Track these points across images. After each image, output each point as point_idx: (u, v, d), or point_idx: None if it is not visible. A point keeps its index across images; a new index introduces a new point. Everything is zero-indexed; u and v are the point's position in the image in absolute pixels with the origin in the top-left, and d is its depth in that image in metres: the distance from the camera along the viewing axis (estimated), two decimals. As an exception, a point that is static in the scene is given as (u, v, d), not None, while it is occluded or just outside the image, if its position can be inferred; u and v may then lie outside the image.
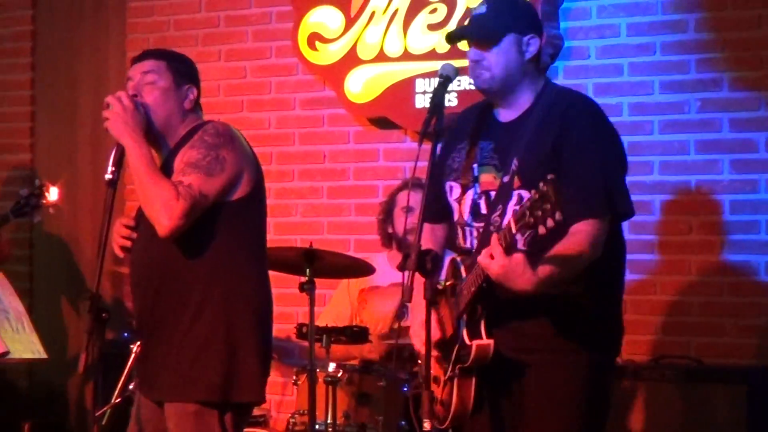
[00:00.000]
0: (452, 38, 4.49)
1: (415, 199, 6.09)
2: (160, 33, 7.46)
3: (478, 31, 4.34)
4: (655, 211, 6.18)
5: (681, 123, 6.25)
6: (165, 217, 4.30)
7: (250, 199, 4.53)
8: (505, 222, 4.05)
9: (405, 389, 5.75)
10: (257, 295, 4.56)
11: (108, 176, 4.38)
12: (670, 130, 6.25)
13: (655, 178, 6.18)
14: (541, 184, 3.77)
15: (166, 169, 4.49)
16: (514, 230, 3.87)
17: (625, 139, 4.46)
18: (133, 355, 6.06)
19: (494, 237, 4.00)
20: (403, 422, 5.72)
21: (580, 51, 6.43)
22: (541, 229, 3.83)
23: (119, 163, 4.40)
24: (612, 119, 4.42)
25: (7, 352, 5.38)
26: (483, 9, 4.33)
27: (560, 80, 4.67)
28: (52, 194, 6.69)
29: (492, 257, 3.97)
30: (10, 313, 5.56)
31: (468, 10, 6.48)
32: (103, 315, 4.24)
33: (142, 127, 4.44)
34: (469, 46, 4.36)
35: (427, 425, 4.12)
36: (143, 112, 4.47)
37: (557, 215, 3.78)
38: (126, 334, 6.74)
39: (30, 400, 7.56)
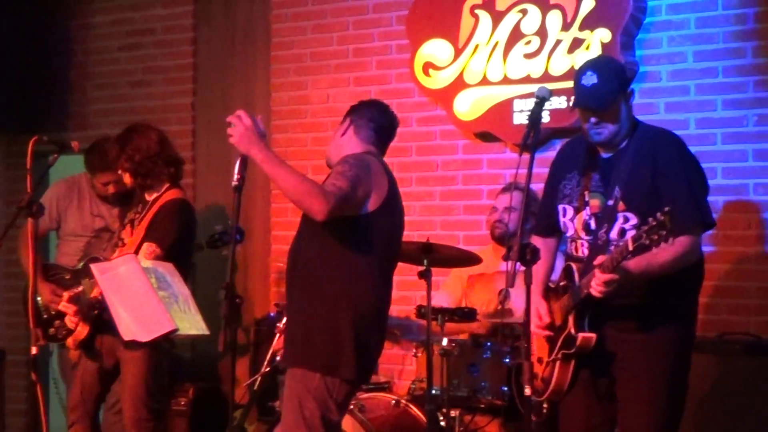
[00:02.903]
0: (573, 107, 4.59)
1: (504, 199, 6.20)
2: (299, 63, 7.46)
3: (594, 102, 4.46)
4: (719, 210, 6.17)
5: (740, 135, 6.20)
6: (322, 201, 4.35)
7: (375, 217, 4.61)
8: (622, 242, 4.26)
9: (506, 360, 5.76)
10: (368, 299, 4.64)
11: (234, 183, 4.44)
12: (731, 141, 6.20)
13: (719, 181, 6.12)
14: (658, 214, 4.01)
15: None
16: (630, 248, 4.09)
17: (693, 149, 4.55)
18: (279, 332, 6.19)
19: (596, 271, 4.26)
20: (504, 388, 5.74)
21: (653, 75, 6.41)
22: (653, 250, 4.08)
23: (243, 171, 4.46)
24: (681, 132, 4.58)
25: (176, 329, 5.42)
26: (594, 79, 4.43)
27: (636, 101, 4.69)
28: (242, 236, 6.78)
29: (598, 284, 4.23)
30: (179, 296, 5.56)
31: (558, 41, 6.55)
32: (237, 301, 4.37)
33: (262, 139, 4.48)
34: (587, 114, 4.49)
35: (527, 390, 4.20)
36: (262, 128, 4.53)
37: (670, 240, 3.96)
38: (272, 313, 6.84)
39: (193, 369, 7.59)
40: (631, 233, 4.21)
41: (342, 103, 7.09)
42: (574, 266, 4.52)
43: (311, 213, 4.39)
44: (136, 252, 5.78)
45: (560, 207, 4.67)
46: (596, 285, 4.26)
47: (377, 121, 4.88)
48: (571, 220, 4.62)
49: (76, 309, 5.80)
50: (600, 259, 4.31)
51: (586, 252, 4.55)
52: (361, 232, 4.57)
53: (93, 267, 5.54)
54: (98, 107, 8.03)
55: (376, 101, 5.02)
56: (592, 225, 4.52)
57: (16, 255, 6.87)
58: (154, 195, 5.97)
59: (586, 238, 4.55)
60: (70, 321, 5.85)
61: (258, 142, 4.46)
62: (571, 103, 6.08)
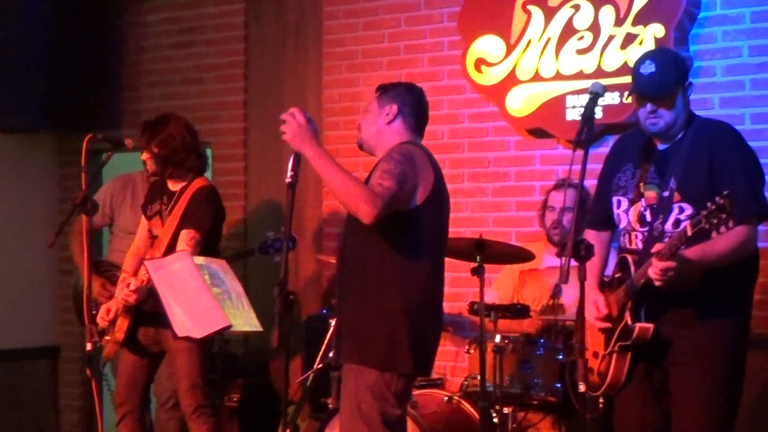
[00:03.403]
0: (630, 95, 4.59)
1: (559, 198, 6.19)
2: (351, 60, 7.47)
3: (652, 90, 4.47)
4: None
5: (796, 129, 6.19)
6: (369, 205, 4.36)
7: (423, 210, 4.59)
8: (681, 228, 4.26)
9: (559, 357, 5.75)
10: (421, 291, 4.62)
11: (288, 180, 4.48)
12: (787, 135, 6.19)
13: (775, 176, 6.12)
14: (717, 198, 4.00)
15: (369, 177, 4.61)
16: (689, 233, 4.07)
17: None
18: (331, 329, 6.22)
19: (653, 259, 4.24)
20: (557, 384, 5.74)
21: (707, 70, 6.35)
22: (713, 234, 4.06)
23: (296, 168, 4.49)
24: (737, 127, 4.52)
25: (229, 326, 5.46)
26: (652, 68, 4.45)
27: (691, 96, 4.68)
28: (294, 244, 6.79)
29: (656, 273, 4.22)
30: (232, 293, 5.61)
31: (611, 37, 6.52)
32: (291, 297, 4.39)
33: (315, 137, 4.51)
34: (643, 101, 4.49)
35: (582, 387, 4.20)
36: (315, 125, 4.56)
37: (730, 224, 3.95)
38: (325, 310, 6.86)
39: (245, 366, 7.62)
40: (686, 224, 4.20)
41: (394, 100, 7.15)
42: (629, 258, 4.53)
43: (358, 216, 4.41)
44: (172, 241, 5.83)
45: (614, 199, 4.68)
46: (654, 273, 4.26)
47: (419, 108, 4.86)
48: (625, 211, 4.63)
49: (136, 297, 5.80)
50: (657, 247, 4.31)
51: (641, 244, 4.55)
52: (409, 226, 4.57)
53: (147, 264, 5.60)
54: (151, 105, 8.08)
55: (414, 86, 4.95)
56: (648, 216, 4.53)
57: (69, 251, 6.95)
58: (181, 185, 6.02)
59: (641, 229, 4.56)
60: (102, 320, 5.89)
61: (311, 139, 4.49)
62: (625, 98, 6.12)
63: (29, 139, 8.45)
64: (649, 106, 4.49)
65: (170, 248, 5.87)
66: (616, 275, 4.60)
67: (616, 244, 4.86)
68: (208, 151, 7.90)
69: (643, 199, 4.55)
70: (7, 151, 8.34)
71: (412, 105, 4.82)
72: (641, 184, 4.56)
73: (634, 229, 4.59)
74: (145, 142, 6.03)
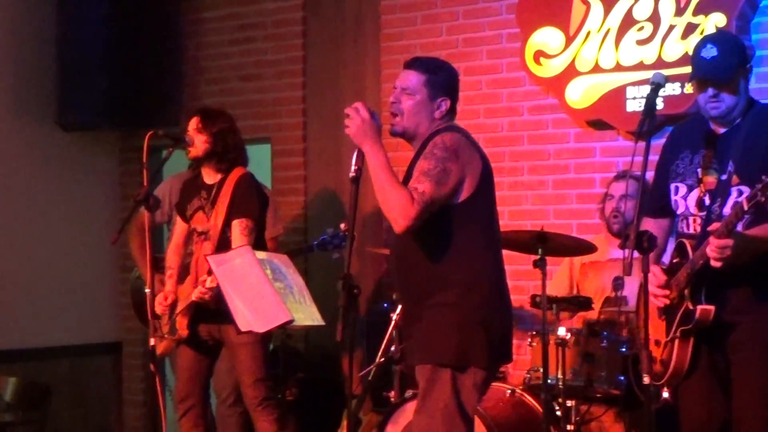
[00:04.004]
0: (691, 80, 4.59)
1: (619, 188, 6.19)
2: (409, 54, 7.33)
3: (714, 75, 4.46)
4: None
5: None
6: (401, 217, 4.35)
7: (474, 199, 4.51)
8: (739, 200, 4.25)
9: (623, 349, 5.74)
10: (484, 281, 4.55)
11: (351, 174, 4.45)
12: None
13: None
14: None
15: (411, 168, 4.56)
16: (746, 207, 4.09)
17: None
18: (392, 323, 6.24)
19: (711, 237, 4.25)
20: (621, 377, 5.72)
21: (769, 59, 6.37)
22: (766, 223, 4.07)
23: (360, 162, 4.46)
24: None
25: (291, 320, 5.48)
26: (714, 52, 4.44)
27: (752, 85, 4.67)
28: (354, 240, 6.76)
29: (713, 250, 4.21)
30: (294, 288, 5.62)
31: (671, 27, 6.49)
32: (354, 291, 4.37)
33: (377, 134, 4.47)
34: (705, 85, 4.48)
35: (646, 379, 4.20)
36: (379, 121, 4.50)
37: None
38: (386, 304, 6.87)
39: (306, 359, 7.68)
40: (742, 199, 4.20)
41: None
42: (686, 242, 4.52)
43: (391, 223, 4.42)
44: (222, 233, 5.87)
45: (672, 185, 4.66)
46: (711, 251, 4.25)
47: (458, 92, 4.79)
48: (683, 197, 4.62)
49: (212, 295, 5.83)
50: (714, 226, 4.30)
51: (699, 229, 4.54)
52: (462, 218, 4.51)
53: (209, 259, 5.63)
54: (210, 101, 8.12)
55: (453, 68, 4.81)
56: (706, 201, 4.52)
57: (129, 248, 7.03)
58: (219, 177, 6.05)
59: (700, 214, 4.55)
60: (159, 305, 5.93)
61: (372, 135, 4.45)
62: (686, 89, 6.09)
63: (91, 136, 8.56)
64: (710, 91, 4.48)
65: (222, 240, 5.90)
66: (674, 260, 4.58)
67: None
68: (267, 147, 7.99)
69: (701, 185, 4.54)
70: (69, 148, 8.46)
71: (456, 89, 4.74)
72: (700, 170, 4.55)
73: (693, 214, 4.58)
74: (201, 125, 6.02)
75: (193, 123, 6.02)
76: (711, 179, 4.51)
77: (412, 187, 4.39)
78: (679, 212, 4.66)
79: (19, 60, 8.15)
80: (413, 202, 4.33)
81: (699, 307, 4.40)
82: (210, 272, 5.71)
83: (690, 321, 4.42)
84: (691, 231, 4.58)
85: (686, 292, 4.44)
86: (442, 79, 4.66)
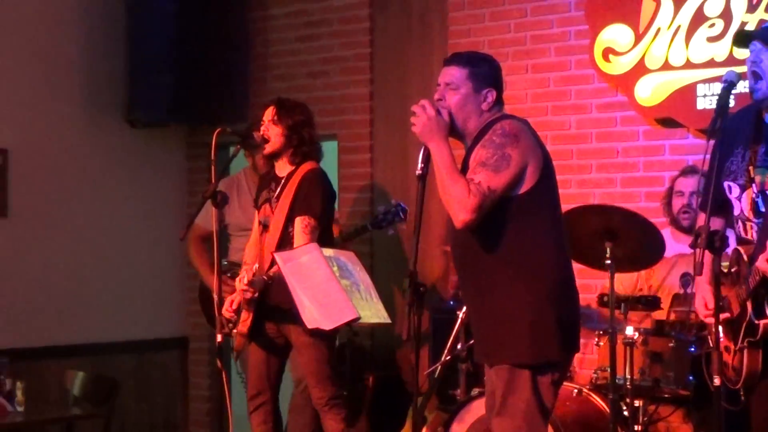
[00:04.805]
0: (740, 39, 4.54)
1: (688, 184, 6.13)
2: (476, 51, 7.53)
3: (762, 35, 4.43)
4: None
5: None
6: (460, 211, 4.33)
7: (537, 190, 4.45)
8: None
9: (692, 350, 5.69)
10: (552, 272, 4.48)
11: (418, 172, 4.47)
12: None
13: None
14: None
15: (466, 162, 4.50)
16: None
17: None
18: (458, 320, 6.24)
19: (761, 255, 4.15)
20: (690, 377, 5.68)
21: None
22: None
23: (426, 160, 4.45)
24: None
25: (358, 318, 5.50)
26: None
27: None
28: (405, 214, 6.76)
29: (763, 268, 4.14)
30: (361, 285, 5.66)
31: (743, 24, 6.43)
32: (421, 289, 4.36)
33: (444, 131, 4.45)
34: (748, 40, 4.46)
35: (717, 381, 4.16)
36: (445, 118, 4.48)
37: None
38: (451, 302, 6.87)
39: (373, 357, 7.67)
40: None
41: (519, 90, 7.15)
42: (742, 250, 4.42)
43: (452, 218, 4.41)
44: (284, 228, 5.88)
45: (725, 184, 4.55)
46: (763, 267, 4.18)
47: (502, 81, 4.74)
48: (737, 198, 4.52)
49: (253, 291, 5.87)
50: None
51: (755, 236, 4.44)
52: (525, 207, 4.45)
53: (276, 256, 5.67)
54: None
55: (493, 58, 4.78)
56: (761, 205, 4.41)
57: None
58: (289, 170, 6.06)
59: (756, 220, 4.44)
60: (227, 311, 5.95)
61: (439, 132, 4.44)
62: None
63: (158, 132, 8.64)
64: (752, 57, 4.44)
65: (284, 234, 5.93)
66: (732, 269, 4.49)
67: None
68: (335, 144, 8.01)
69: (754, 185, 4.43)
70: (137, 145, 8.54)
71: (500, 80, 4.70)
72: (751, 168, 4.44)
73: (749, 219, 4.48)
74: (276, 117, 6.03)
75: (269, 113, 6.05)
76: (762, 178, 4.41)
77: (469, 178, 4.36)
78: (735, 213, 4.56)
79: (89, 58, 8.25)
80: (470, 194, 4.32)
81: (762, 323, 4.32)
82: (248, 270, 5.77)
83: (755, 334, 4.37)
84: (748, 237, 4.50)
85: (748, 305, 4.38)
86: (484, 71, 4.62)
